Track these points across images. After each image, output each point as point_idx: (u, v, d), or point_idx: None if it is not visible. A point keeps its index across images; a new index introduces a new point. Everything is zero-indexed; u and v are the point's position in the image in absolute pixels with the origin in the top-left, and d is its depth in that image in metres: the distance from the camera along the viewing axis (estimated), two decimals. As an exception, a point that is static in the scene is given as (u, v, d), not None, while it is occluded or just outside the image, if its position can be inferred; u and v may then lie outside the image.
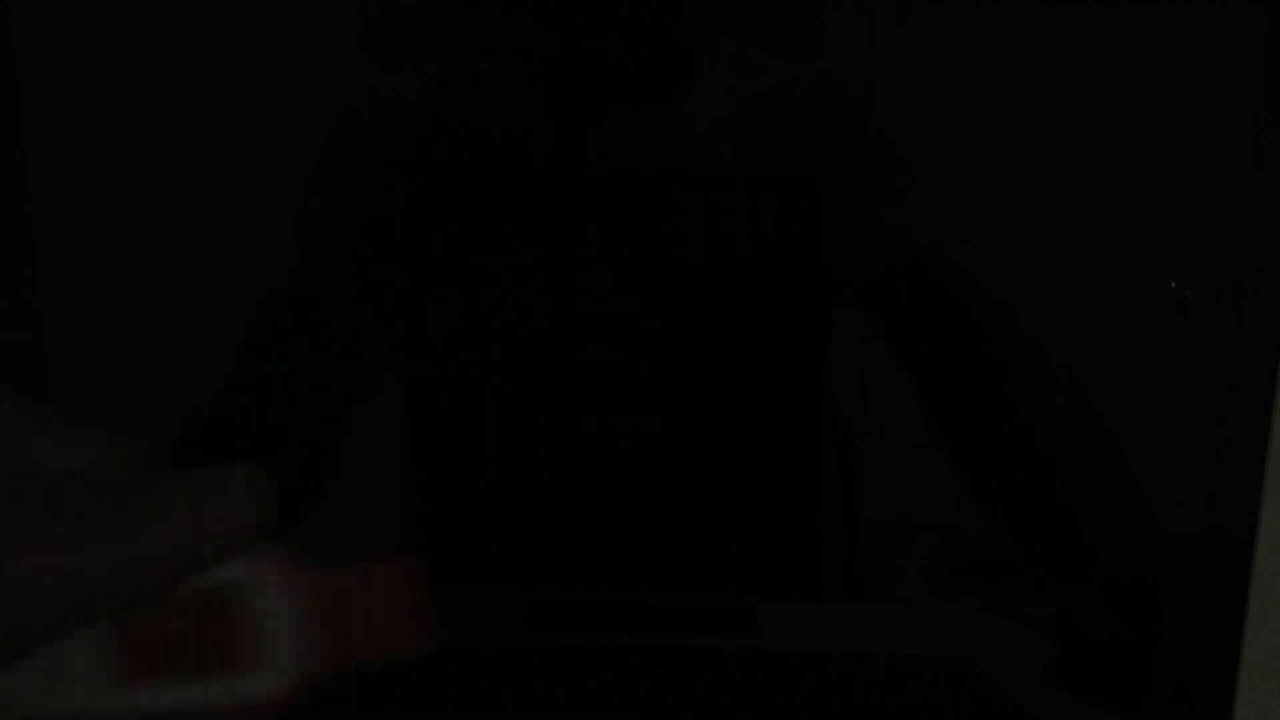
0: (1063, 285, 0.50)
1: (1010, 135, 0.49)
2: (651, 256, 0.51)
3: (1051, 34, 0.48)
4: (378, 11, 0.49)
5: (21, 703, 0.20)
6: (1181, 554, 0.51)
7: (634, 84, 0.49)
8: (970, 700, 0.52)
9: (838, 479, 0.54)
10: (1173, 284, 0.49)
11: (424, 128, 0.50)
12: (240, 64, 0.49)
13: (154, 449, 0.21)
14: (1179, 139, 0.48)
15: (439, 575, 0.58)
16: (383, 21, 0.49)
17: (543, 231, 0.50)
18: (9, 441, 0.19)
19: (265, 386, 0.51)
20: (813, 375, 0.53)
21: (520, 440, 0.53)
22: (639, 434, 0.53)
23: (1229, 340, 0.49)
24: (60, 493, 0.18)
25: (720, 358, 0.52)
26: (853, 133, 0.50)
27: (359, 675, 0.54)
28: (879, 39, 0.48)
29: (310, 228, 0.51)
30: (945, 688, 0.52)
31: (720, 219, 0.50)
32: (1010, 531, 0.53)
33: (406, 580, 0.23)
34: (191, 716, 0.21)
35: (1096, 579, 0.53)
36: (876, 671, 0.53)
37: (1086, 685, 0.53)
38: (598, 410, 0.52)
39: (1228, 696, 0.51)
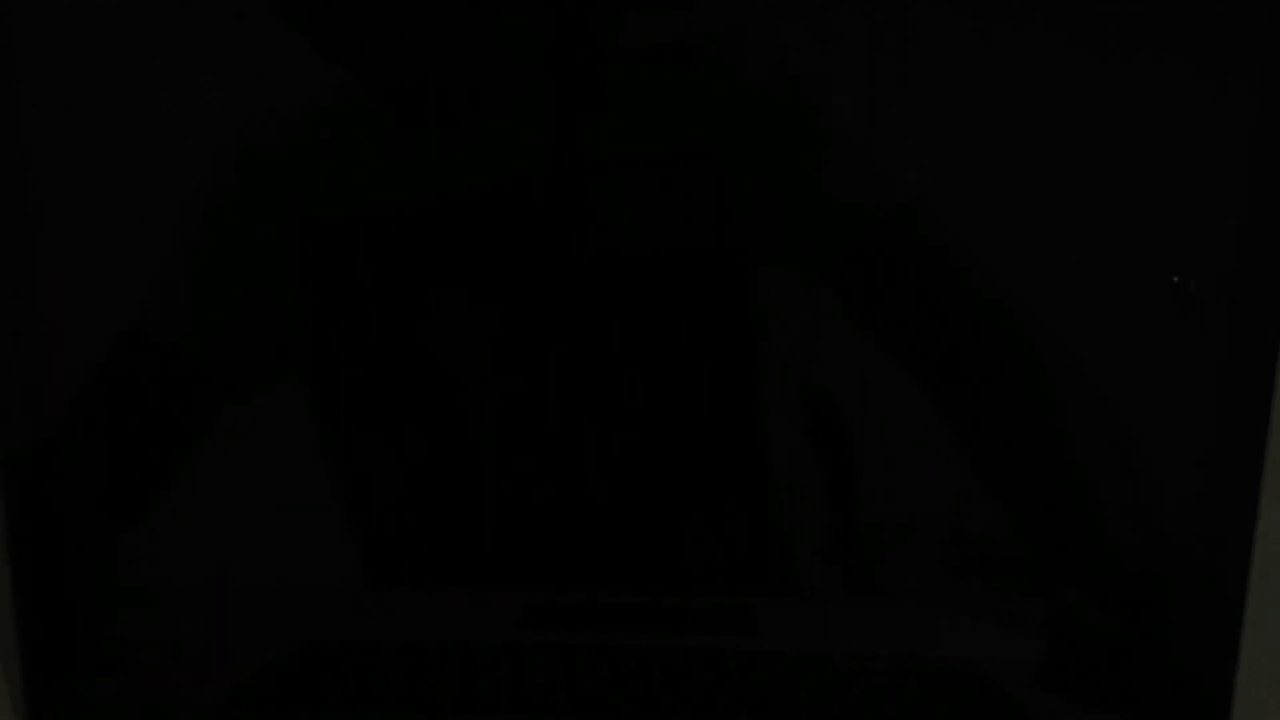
0: (1059, 281, 0.50)
1: (1008, 126, 0.49)
2: (636, 254, 0.51)
3: (1052, 22, 0.48)
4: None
5: None
6: (1180, 553, 0.51)
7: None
8: (970, 701, 0.52)
9: (837, 478, 0.54)
10: (1175, 278, 0.49)
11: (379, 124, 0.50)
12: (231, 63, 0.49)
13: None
14: (1181, 130, 0.48)
15: (438, 575, 0.58)
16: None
17: (528, 233, 0.50)
18: None
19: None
20: (811, 373, 0.53)
21: (517, 440, 0.53)
22: (636, 434, 0.53)
23: (1229, 336, 0.49)
24: None
25: (714, 354, 0.52)
26: (758, 105, 0.50)
27: (358, 674, 0.55)
28: (877, 24, 0.48)
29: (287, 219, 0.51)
30: (945, 688, 0.52)
31: (671, 206, 0.50)
32: (1013, 523, 0.53)
33: None
34: None
35: (1097, 578, 0.53)
36: (876, 671, 0.53)
37: (1086, 686, 0.53)
38: (595, 409, 0.52)
39: (1226, 696, 0.51)
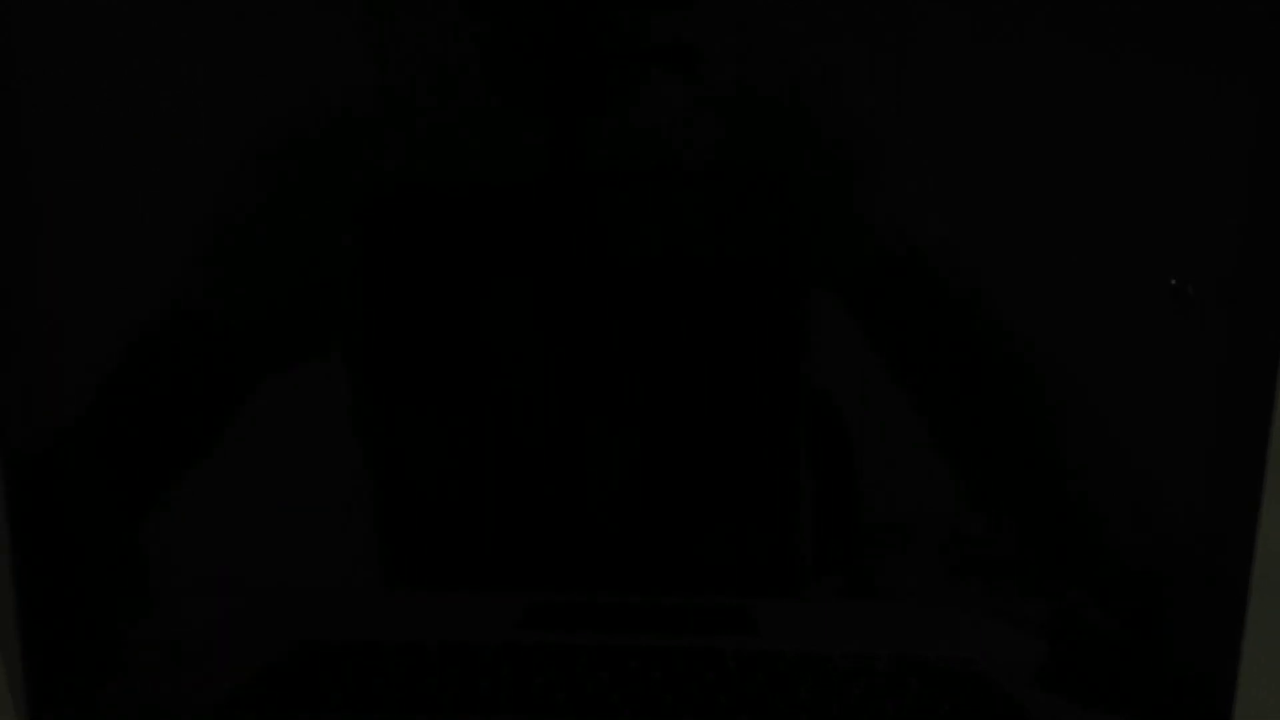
0: (1059, 283, 0.50)
1: (1007, 129, 0.49)
2: (638, 256, 0.51)
3: (1050, 25, 0.48)
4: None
5: None
6: (1180, 553, 0.51)
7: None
8: (970, 701, 0.52)
9: (837, 478, 0.54)
10: (1173, 281, 0.49)
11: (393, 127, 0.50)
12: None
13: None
14: (1181, 131, 0.48)
15: (439, 575, 0.58)
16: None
17: (533, 234, 0.50)
18: None
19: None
20: (811, 374, 0.53)
21: (518, 440, 0.53)
22: (636, 434, 0.53)
23: (1230, 337, 0.49)
24: None
25: (716, 357, 0.52)
26: (813, 127, 0.50)
27: (357, 674, 0.55)
28: (877, 24, 0.48)
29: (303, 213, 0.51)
30: (945, 688, 0.53)
31: (696, 216, 0.50)
32: (1013, 523, 0.53)
33: None
34: None
35: (1097, 578, 0.53)
36: (876, 671, 0.53)
37: (1086, 686, 0.53)
38: (596, 410, 0.52)
39: (1227, 697, 0.51)
